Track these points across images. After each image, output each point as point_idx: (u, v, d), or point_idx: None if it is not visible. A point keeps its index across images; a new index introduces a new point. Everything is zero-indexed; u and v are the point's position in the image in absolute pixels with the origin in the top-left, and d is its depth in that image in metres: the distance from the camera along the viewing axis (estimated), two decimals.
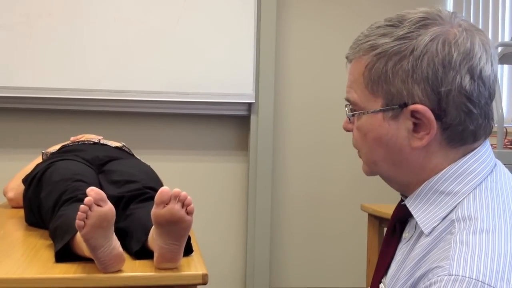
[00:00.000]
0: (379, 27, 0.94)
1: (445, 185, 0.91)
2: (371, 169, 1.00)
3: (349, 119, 0.98)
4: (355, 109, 0.97)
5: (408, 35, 0.89)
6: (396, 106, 0.91)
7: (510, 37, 2.78)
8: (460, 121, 0.89)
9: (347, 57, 0.99)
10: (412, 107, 0.89)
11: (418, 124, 0.90)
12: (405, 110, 0.90)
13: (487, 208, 0.86)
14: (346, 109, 1.00)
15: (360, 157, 1.02)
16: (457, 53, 0.88)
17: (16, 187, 2.26)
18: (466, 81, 0.88)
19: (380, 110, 0.92)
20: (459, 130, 0.90)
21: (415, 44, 0.89)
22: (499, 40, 3.29)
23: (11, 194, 2.29)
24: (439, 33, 0.89)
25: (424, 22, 0.90)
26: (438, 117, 0.89)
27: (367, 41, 0.93)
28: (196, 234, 1.90)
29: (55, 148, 2.27)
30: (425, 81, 0.88)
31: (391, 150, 0.94)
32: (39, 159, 2.27)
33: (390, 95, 0.91)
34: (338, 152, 3.69)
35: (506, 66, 3.32)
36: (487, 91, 0.90)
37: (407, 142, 0.92)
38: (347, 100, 0.98)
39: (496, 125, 2.39)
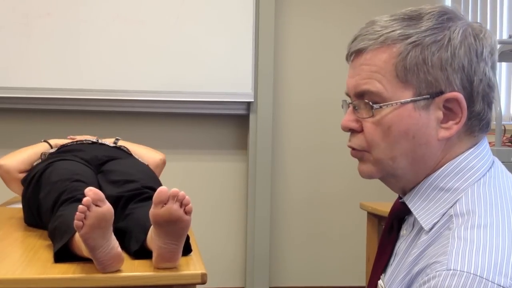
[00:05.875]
0: (395, 19, 0.92)
1: (445, 181, 0.91)
2: (381, 168, 0.94)
3: (372, 112, 0.91)
4: (376, 100, 0.91)
5: (438, 26, 0.90)
6: (428, 95, 0.90)
7: (508, 34, 2.78)
8: (484, 110, 0.92)
9: (361, 48, 0.92)
10: (449, 95, 0.89)
11: (446, 114, 0.91)
12: (437, 99, 0.90)
13: (485, 203, 0.86)
14: (355, 103, 0.94)
15: (364, 158, 0.95)
16: (486, 45, 0.91)
17: (9, 157, 2.12)
18: (491, 73, 0.91)
19: (414, 99, 0.90)
20: (480, 119, 0.92)
21: (450, 35, 0.89)
22: (497, 37, 3.29)
23: (1, 162, 2.11)
24: (467, 26, 0.91)
25: (448, 16, 0.91)
26: (467, 106, 0.90)
27: (393, 31, 0.90)
28: (195, 234, 1.90)
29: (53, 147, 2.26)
30: (462, 70, 0.89)
31: (417, 143, 0.91)
32: (42, 145, 2.22)
33: (424, 84, 0.90)
34: (337, 150, 3.69)
35: (504, 64, 3.32)
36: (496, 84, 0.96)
37: (435, 133, 0.91)
38: (363, 92, 0.92)
39: (494, 122, 2.39)
